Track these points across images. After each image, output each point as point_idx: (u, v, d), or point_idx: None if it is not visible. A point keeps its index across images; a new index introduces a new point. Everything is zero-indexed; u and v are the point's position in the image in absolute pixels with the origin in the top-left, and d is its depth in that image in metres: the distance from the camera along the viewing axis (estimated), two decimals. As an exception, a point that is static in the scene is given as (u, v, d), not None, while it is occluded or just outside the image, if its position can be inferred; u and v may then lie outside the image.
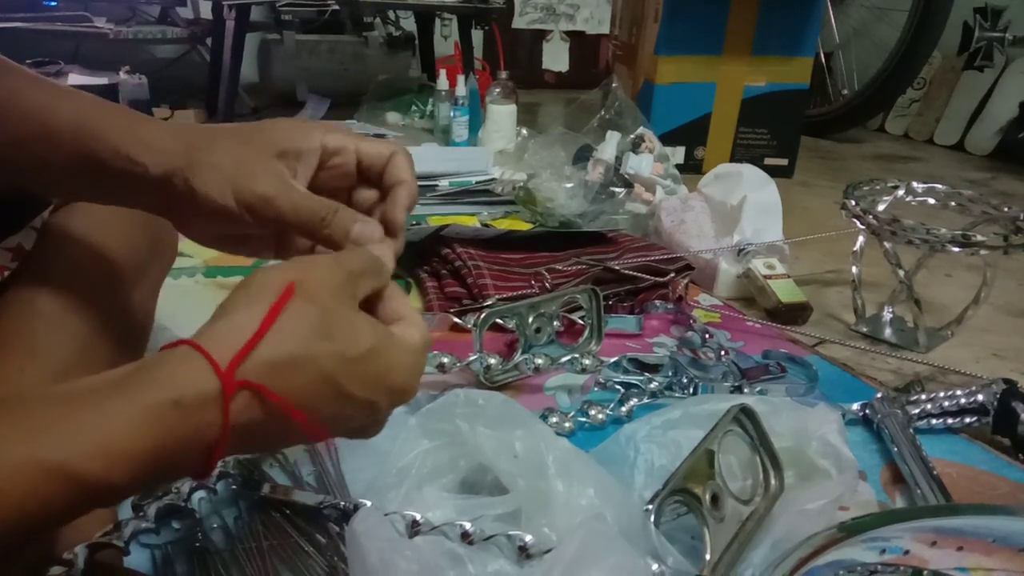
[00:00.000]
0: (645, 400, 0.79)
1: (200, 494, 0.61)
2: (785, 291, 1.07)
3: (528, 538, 0.50)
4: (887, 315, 1.07)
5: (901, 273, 1.00)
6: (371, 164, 0.50)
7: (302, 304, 0.36)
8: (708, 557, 0.51)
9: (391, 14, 2.63)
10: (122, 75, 1.91)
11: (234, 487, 0.63)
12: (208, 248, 0.52)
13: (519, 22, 2.35)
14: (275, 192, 0.46)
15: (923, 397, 0.79)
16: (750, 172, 1.24)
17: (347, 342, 0.37)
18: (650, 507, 0.49)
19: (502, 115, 2.01)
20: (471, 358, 0.79)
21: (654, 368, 0.84)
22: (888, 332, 1.04)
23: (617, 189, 1.41)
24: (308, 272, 0.38)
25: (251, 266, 1.12)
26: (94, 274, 0.55)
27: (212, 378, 0.33)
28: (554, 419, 0.75)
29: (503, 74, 2.04)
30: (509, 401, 0.62)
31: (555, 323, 0.87)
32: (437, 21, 2.60)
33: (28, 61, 1.95)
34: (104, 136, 0.45)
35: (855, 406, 0.80)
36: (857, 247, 1.07)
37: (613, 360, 0.84)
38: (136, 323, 0.62)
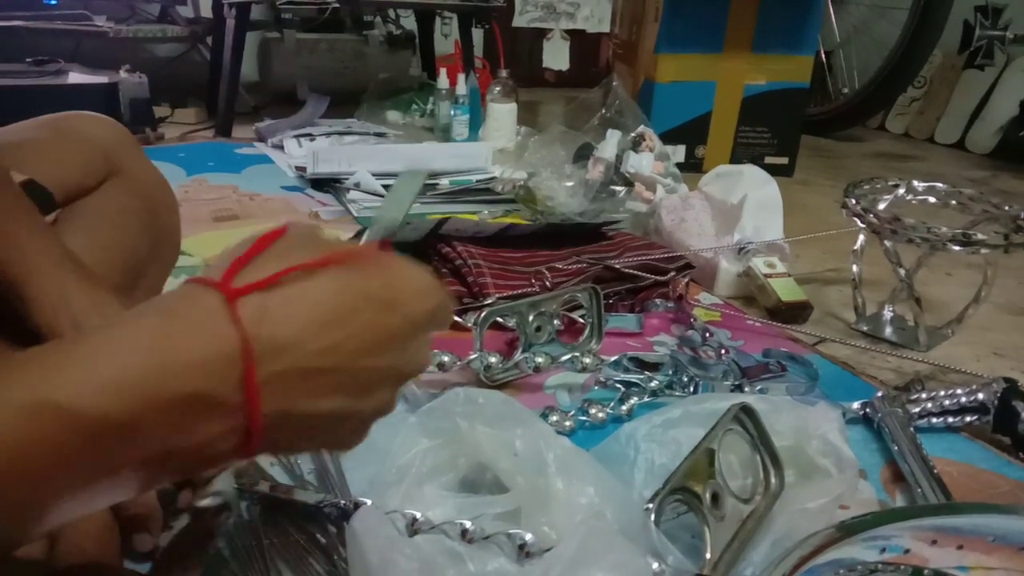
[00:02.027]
0: (645, 399, 0.79)
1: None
2: (785, 290, 1.07)
3: (528, 537, 0.50)
4: (887, 314, 1.07)
5: (902, 272, 1.00)
6: None
7: (294, 230, 0.34)
8: (708, 556, 0.51)
9: (391, 12, 2.63)
10: (122, 74, 1.91)
11: (234, 486, 0.63)
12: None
13: (519, 20, 2.35)
14: None
15: (923, 396, 0.79)
16: (751, 171, 1.24)
17: (347, 253, 0.33)
18: (650, 506, 0.49)
19: (502, 114, 2.01)
20: (471, 357, 0.79)
21: (654, 367, 0.84)
22: (888, 331, 1.04)
23: (617, 188, 1.41)
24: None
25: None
26: (97, 271, 0.55)
27: (208, 291, 0.30)
28: (554, 418, 0.75)
29: (503, 72, 2.04)
30: (509, 400, 0.62)
31: (555, 322, 0.87)
32: (437, 19, 2.59)
33: (28, 60, 1.95)
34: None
35: (855, 405, 0.80)
36: (857, 246, 1.07)
37: (613, 359, 0.84)
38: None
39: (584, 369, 0.82)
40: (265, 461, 0.67)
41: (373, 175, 1.51)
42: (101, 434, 0.27)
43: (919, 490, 0.66)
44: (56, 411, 0.27)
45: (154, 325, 0.30)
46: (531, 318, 0.85)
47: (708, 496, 0.53)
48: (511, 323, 0.86)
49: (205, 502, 0.47)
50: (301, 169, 1.61)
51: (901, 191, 1.08)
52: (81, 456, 0.28)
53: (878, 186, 1.08)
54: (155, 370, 0.28)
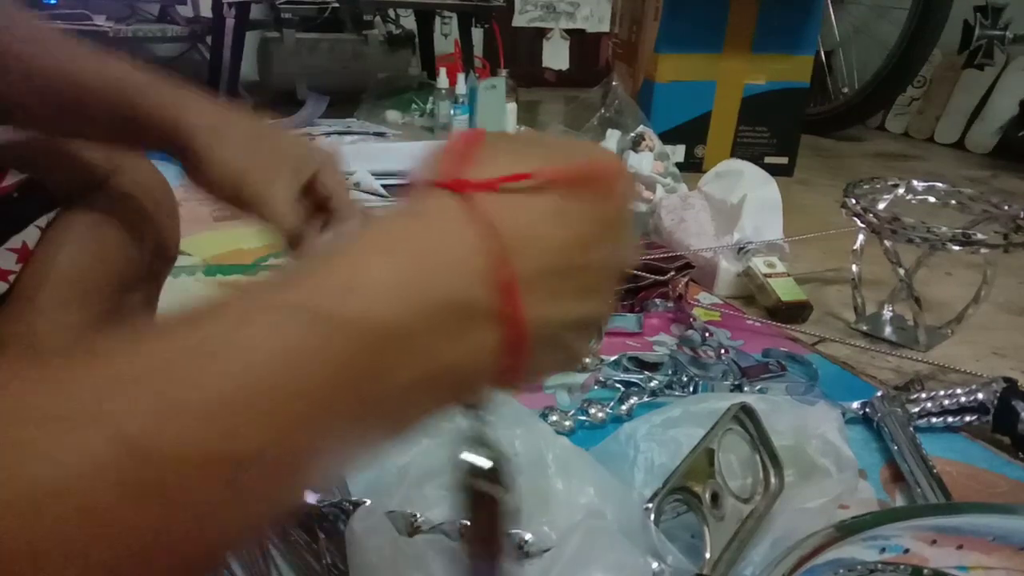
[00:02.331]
0: (645, 398, 0.79)
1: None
2: (785, 289, 1.07)
3: (528, 536, 0.50)
4: (887, 313, 1.07)
5: (901, 271, 1.00)
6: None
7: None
8: (708, 555, 0.51)
9: (391, 12, 2.63)
10: (122, 73, 1.91)
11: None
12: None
13: (519, 20, 2.35)
14: (268, 198, 0.52)
15: (923, 395, 0.79)
16: (750, 170, 1.24)
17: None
18: (650, 505, 0.49)
19: (502, 112, 2.01)
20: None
21: (654, 366, 0.84)
22: (888, 330, 1.04)
23: (617, 187, 1.41)
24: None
25: (251, 265, 1.13)
26: (95, 273, 0.55)
27: (440, 191, 0.28)
28: (554, 417, 0.75)
29: (503, 72, 2.04)
30: (508, 399, 0.62)
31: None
32: (437, 19, 2.59)
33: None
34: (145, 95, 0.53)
35: (855, 404, 0.80)
36: (857, 245, 1.07)
37: (613, 358, 0.84)
38: (138, 322, 0.62)
39: (584, 369, 0.82)
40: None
41: (373, 175, 1.51)
42: (379, 345, 0.25)
43: (919, 490, 0.66)
44: (334, 322, 0.24)
45: (406, 226, 0.28)
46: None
47: (708, 496, 0.53)
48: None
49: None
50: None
51: (901, 191, 1.08)
52: (359, 373, 0.25)
53: (878, 186, 1.08)
54: (417, 272, 0.26)
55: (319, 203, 0.55)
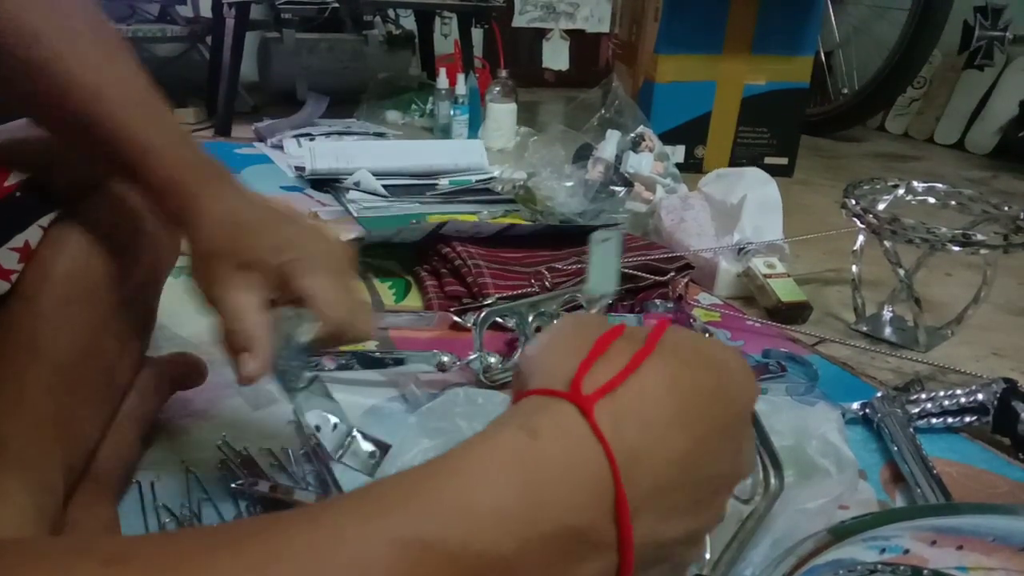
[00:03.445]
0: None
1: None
2: (785, 290, 1.07)
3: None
4: (887, 314, 1.07)
5: (901, 272, 1.00)
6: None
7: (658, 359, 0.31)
8: (708, 556, 0.51)
9: (391, 12, 2.63)
10: (122, 73, 1.91)
11: (233, 486, 0.63)
12: None
13: (519, 20, 2.35)
14: (226, 298, 0.52)
15: (923, 396, 0.79)
16: (750, 171, 1.24)
17: (656, 337, 0.31)
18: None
19: (502, 114, 2.01)
20: (471, 357, 0.79)
21: (654, 367, 0.84)
22: (888, 331, 1.04)
23: (617, 188, 1.41)
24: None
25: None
26: (96, 273, 0.55)
27: (563, 403, 0.28)
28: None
29: (503, 72, 2.04)
30: (509, 400, 0.62)
31: (555, 322, 0.87)
32: (437, 19, 2.59)
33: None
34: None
35: (855, 405, 0.80)
36: (857, 246, 1.07)
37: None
38: (139, 322, 0.62)
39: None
40: (265, 462, 0.67)
41: (373, 175, 1.51)
42: (483, 569, 0.24)
43: (919, 490, 0.66)
44: (428, 549, 0.24)
45: (519, 448, 0.27)
46: (531, 318, 0.85)
47: (708, 496, 0.52)
48: (511, 323, 0.86)
49: None
50: (300, 169, 1.61)
51: (901, 191, 1.08)
52: None
53: (878, 186, 1.08)
54: (530, 501, 0.25)
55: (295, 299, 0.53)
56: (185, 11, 2.38)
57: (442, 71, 2.13)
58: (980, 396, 0.77)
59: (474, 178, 1.60)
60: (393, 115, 2.32)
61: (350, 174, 1.53)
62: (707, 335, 0.92)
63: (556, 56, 2.43)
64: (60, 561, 0.22)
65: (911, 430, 0.74)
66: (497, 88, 2.00)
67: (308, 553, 0.23)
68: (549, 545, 0.25)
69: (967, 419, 0.77)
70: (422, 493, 0.25)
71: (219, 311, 0.52)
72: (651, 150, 1.45)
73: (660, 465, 0.28)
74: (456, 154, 1.68)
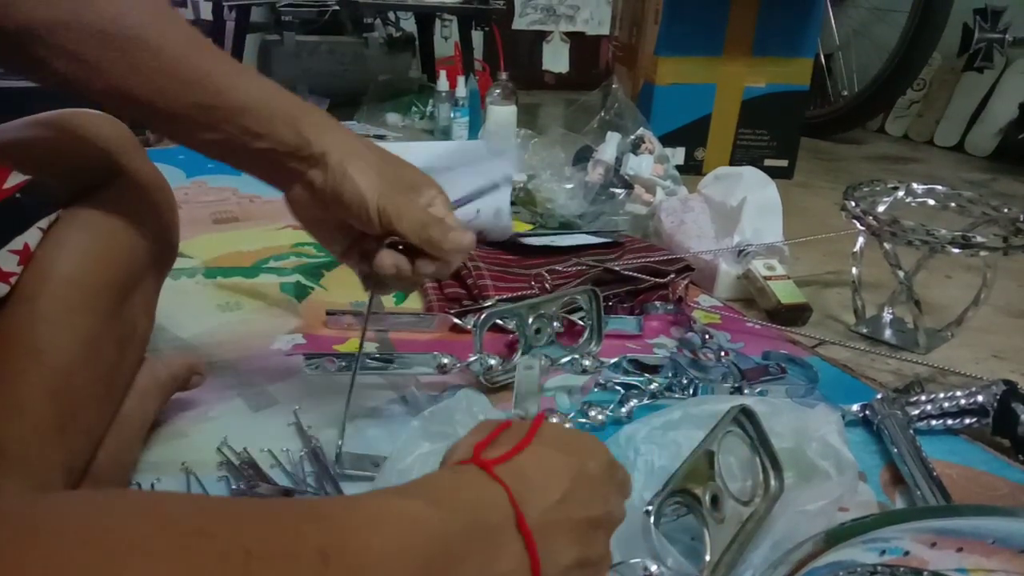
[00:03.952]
0: (645, 401, 0.79)
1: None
2: (785, 292, 1.07)
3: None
4: (887, 316, 1.07)
5: (901, 274, 1.00)
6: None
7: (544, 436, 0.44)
8: (708, 558, 0.51)
9: (391, 15, 2.63)
10: (122, 76, 1.91)
11: (234, 487, 0.63)
12: (295, 223, 0.63)
13: (519, 23, 2.35)
14: (405, 213, 0.58)
15: (923, 398, 0.79)
16: (750, 173, 1.24)
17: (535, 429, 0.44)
18: (650, 508, 0.49)
19: (502, 116, 2.01)
20: (471, 359, 0.79)
21: (654, 369, 0.84)
22: (888, 333, 1.04)
23: (617, 190, 1.41)
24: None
25: (250, 267, 1.13)
26: (96, 275, 0.55)
27: (468, 466, 0.41)
28: (554, 420, 0.75)
29: (503, 75, 2.04)
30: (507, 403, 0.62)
31: (555, 324, 0.87)
32: (437, 22, 2.60)
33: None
34: (282, 112, 0.57)
35: (855, 407, 0.80)
36: (857, 248, 1.07)
37: (613, 361, 0.84)
38: (137, 323, 0.62)
39: (584, 371, 0.82)
40: (265, 463, 0.67)
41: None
42: (447, 555, 0.35)
43: (919, 492, 0.66)
44: (422, 521, 0.35)
45: (450, 479, 0.40)
46: (531, 320, 0.85)
47: (708, 498, 0.53)
48: (511, 325, 0.86)
49: None
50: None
51: (900, 193, 1.08)
52: (448, 553, 0.35)
53: (877, 188, 1.08)
54: (466, 505, 0.38)
55: None
56: (186, 13, 2.38)
57: (442, 73, 2.13)
58: (980, 398, 0.77)
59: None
60: (393, 117, 2.32)
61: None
62: (708, 337, 0.92)
63: (556, 58, 2.43)
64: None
65: (911, 432, 0.74)
66: (497, 90, 2.00)
67: (328, 524, 0.32)
68: (479, 532, 0.37)
69: (967, 421, 0.77)
70: (406, 492, 0.37)
71: (398, 224, 0.58)
72: (651, 152, 1.45)
73: (542, 505, 0.40)
74: (485, 169, 1.60)
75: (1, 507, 0.26)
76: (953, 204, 1.06)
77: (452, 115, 2.04)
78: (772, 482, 0.59)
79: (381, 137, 2.07)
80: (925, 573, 0.55)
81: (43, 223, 0.54)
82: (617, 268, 1.03)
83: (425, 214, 0.60)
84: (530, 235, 1.16)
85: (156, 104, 0.52)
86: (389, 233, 0.59)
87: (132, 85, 0.51)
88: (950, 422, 0.78)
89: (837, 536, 0.53)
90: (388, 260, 0.60)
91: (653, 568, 0.48)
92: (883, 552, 0.56)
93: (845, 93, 2.54)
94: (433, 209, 0.62)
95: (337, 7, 2.13)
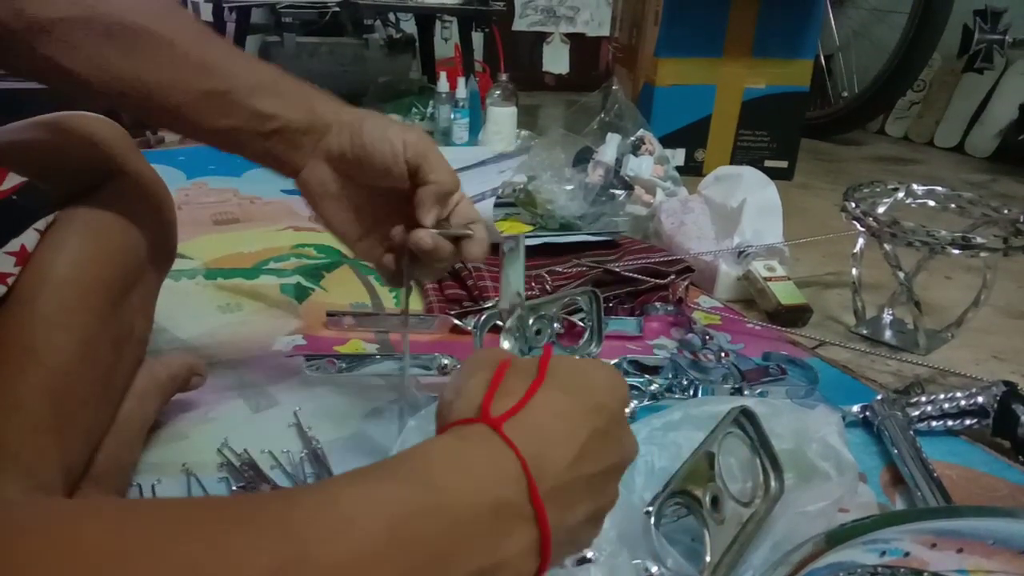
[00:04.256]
0: (645, 402, 0.79)
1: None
2: (785, 293, 1.07)
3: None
4: (887, 317, 1.07)
5: (901, 275, 1.00)
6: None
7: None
8: (708, 559, 0.51)
9: (391, 16, 2.63)
10: (123, 77, 1.91)
11: (234, 488, 0.63)
12: (316, 215, 0.65)
13: (519, 24, 2.36)
14: (430, 142, 0.59)
15: (923, 399, 0.79)
16: (750, 174, 1.24)
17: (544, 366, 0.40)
18: (650, 509, 0.49)
19: (502, 117, 2.01)
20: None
21: (654, 370, 0.84)
22: (888, 334, 1.04)
23: (617, 191, 1.41)
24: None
25: (251, 268, 1.13)
26: (94, 276, 0.55)
27: (477, 425, 0.36)
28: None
29: (503, 76, 2.04)
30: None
31: (555, 325, 0.87)
32: (437, 23, 2.60)
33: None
34: (293, 92, 0.58)
35: (855, 408, 0.80)
36: (857, 249, 1.07)
37: (613, 362, 0.84)
38: (136, 324, 0.62)
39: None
40: (266, 464, 0.67)
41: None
42: (453, 529, 0.32)
43: (919, 493, 0.66)
44: (410, 504, 0.31)
45: (455, 447, 0.35)
46: (531, 321, 0.85)
47: (708, 499, 0.53)
48: (511, 326, 0.86)
49: None
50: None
51: (900, 195, 1.08)
52: (440, 552, 0.31)
53: (877, 190, 1.08)
54: (471, 478, 0.34)
55: None
56: (186, 15, 2.38)
57: (442, 75, 2.13)
58: (980, 399, 0.77)
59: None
60: (394, 118, 2.32)
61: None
62: (708, 338, 0.92)
63: (556, 60, 2.43)
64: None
65: (911, 433, 0.74)
66: (497, 92, 2.00)
67: (313, 510, 0.29)
68: (488, 513, 0.33)
69: (967, 422, 0.77)
70: (399, 470, 0.34)
71: (427, 169, 0.59)
72: (651, 153, 1.45)
73: (557, 469, 0.36)
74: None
75: None
76: (953, 205, 1.06)
77: (452, 116, 2.04)
78: (772, 483, 0.59)
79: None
80: (925, 574, 0.55)
81: (40, 225, 0.54)
82: (617, 269, 1.03)
83: (446, 165, 0.60)
84: (530, 236, 1.16)
85: (168, 96, 0.53)
86: (418, 184, 0.58)
87: (144, 79, 0.52)
88: (950, 423, 0.78)
89: (837, 537, 0.53)
90: (427, 236, 0.59)
91: (654, 569, 0.48)
92: (883, 553, 0.56)
93: (845, 94, 2.54)
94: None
95: (337, 8, 2.13)
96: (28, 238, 0.53)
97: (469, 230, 0.62)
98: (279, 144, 0.58)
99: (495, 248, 0.66)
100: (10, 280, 0.52)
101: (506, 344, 0.64)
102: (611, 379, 0.41)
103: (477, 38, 2.51)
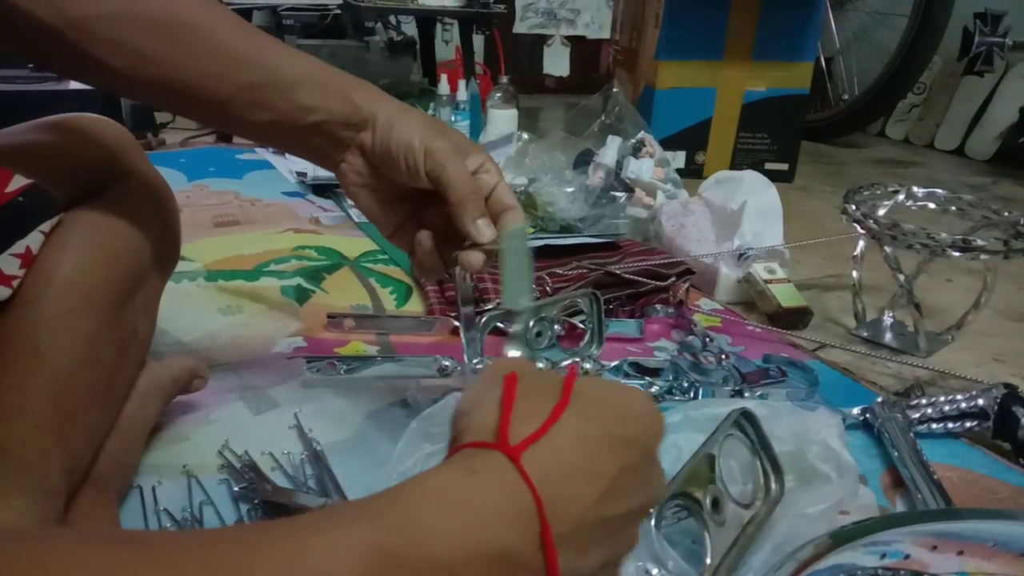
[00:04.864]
0: (646, 404, 0.79)
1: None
2: (785, 295, 1.07)
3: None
4: (887, 319, 1.07)
5: (901, 277, 1.00)
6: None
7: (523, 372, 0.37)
8: (709, 561, 0.51)
9: (392, 19, 2.64)
10: (124, 79, 1.91)
11: (235, 490, 0.63)
12: (350, 197, 0.64)
13: (520, 27, 2.36)
14: (451, 151, 0.57)
15: (923, 401, 0.79)
16: (750, 177, 1.24)
17: (569, 388, 0.36)
18: (651, 511, 0.49)
19: (503, 119, 2.01)
20: (472, 362, 0.79)
21: (655, 372, 0.84)
22: (888, 336, 1.04)
23: (618, 193, 1.41)
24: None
25: (251, 270, 1.13)
26: (98, 278, 0.55)
27: (493, 453, 0.33)
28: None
29: (504, 79, 2.04)
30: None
31: (556, 327, 0.87)
32: (438, 26, 2.60)
33: (30, 66, 1.95)
34: (333, 84, 0.58)
35: (855, 410, 0.80)
36: (857, 251, 1.07)
37: (614, 364, 0.84)
38: (139, 326, 0.62)
39: (585, 374, 0.82)
40: (266, 466, 0.67)
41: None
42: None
43: (919, 496, 0.66)
44: (386, 556, 0.28)
45: (461, 481, 0.32)
46: (532, 323, 0.85)
47: (708, 501, 0.53)
48: (511, 328, 0.86)
49: None
50: (302, 175, 1.62)
51: (901, 197, 1.08)
52: None
53: (878, 192, 1.08)
54: (471, 524, 0.30)
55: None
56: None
57: (443, 77, 2.14)
58: (980, 401, 0.77)
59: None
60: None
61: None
62: (708, 340, 0.92)
63: (557, 62, 2.44)
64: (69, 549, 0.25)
65: (911, 435, 0.74)
66: (498, 94, 2.00)
67: (278, 561, 0.27)
68: (487, 563, 0.30)
69: (968, 424, 0.77)
70: (382, 511, 0.30)
71: (443, 176, 0.57)
72: (652, 156, 1.46)
73: (576, 510, 0.32)
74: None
75: None
76: (953, 208, 1.06)
77: (453, 118, 2.04)
78: (773, 485, 0.59)
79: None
80: (925, 576, 0.55)
81: (45, 227, 0.54)
82: (618, 271, 1.03)
83: (472, 179, 0.59)
84: (531, 238, 1.16)
85: (208, 89, 0.53)
86: (435, 183, 0.58)
87: (185, 71, 0.52)
88: (951, 425, 0.78)
89: (844, 536, 0.53)
90: (476, 259, 0.59)
91: (654, 571, 0.48)
92: (884, 555, 0.56)
93: (845, 97, 2.55)
94: (487, 176, 0.60)
95: (338, 11, 2.14)
96: (33, 240, 0.53)
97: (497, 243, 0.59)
98: (318, 137, 0.58)
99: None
100: (15, 282, 0.52)
101: (514, 353, 0.59)
102: (645, 408, 0.37)
103: (478, 41, 2.51)
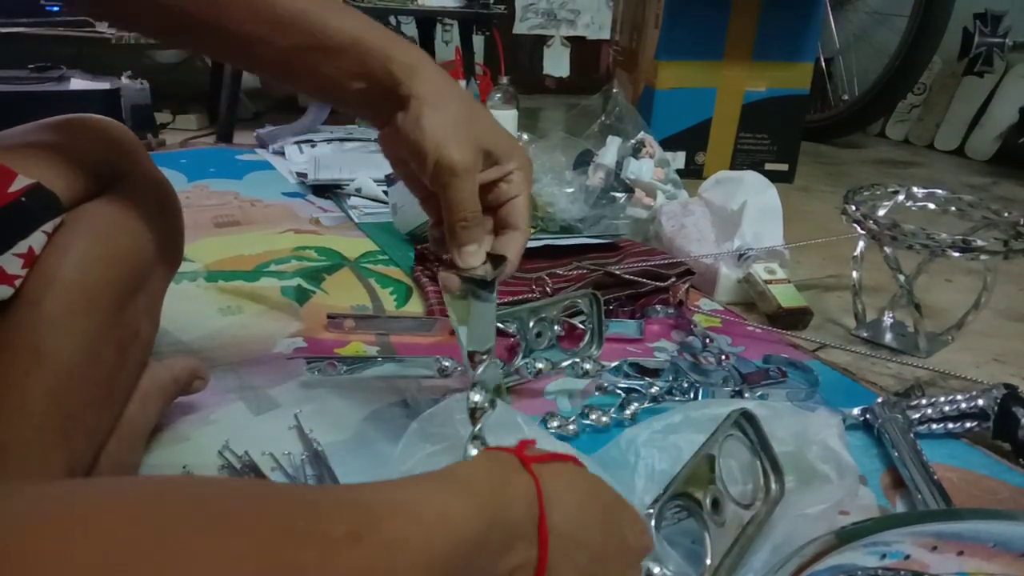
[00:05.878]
0: (646, 404, 0.79)
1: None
2: (786, 296, 1.07)
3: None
4: (887, 320, 1.07)
5: (901, 278, 1.00)
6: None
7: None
8: (709, 561, 0.51)
9: (392, 19, 2.64)
10: (124, 80, 1.92)
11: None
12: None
13: (520, 27, 2.36)
14: (460, 171, 0.54)
15: (924, 402, 0.79)
16: (750, 177, 1.24)
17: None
18: (651, 511, 0.49)
19: (503, 120, 2.01)
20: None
21: (655, 373, 0.84)
22: (888, 337, 1.04)
23: (618, 194, 1.41)
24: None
25: (252, 271, 1.13)
26: (100, 278, 0.55)
27: (510, 455, 0.43)
28: (555, 423, 0.75)
29: (504, 79, 2.04)
30: (508, 407, 0.62)
31: (556, 327, 0.87)
32: (438, 26, 2.60)
33: (30, 65, 1.95)
34: (375, 50, 0.55)
35: (856, 411, 0.80)
36: (857, 252, 1.07)
37: (614, 365, 0.84)
38: (141, 327, 0.62)
39: (584, 375, 0.82)
40: (267, 465, 0.67)
41: (375, 181, 1.52)
42: (465, 550, 0.35)
43: (919, 496, 0.66)
44: (445, 512, 0.35)
45: (488, 468, 0.41)
46: (532, 324, 0.85)
47: (708, 502, 0.53)
48: (512, 329, 0.86)
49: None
50: (302, 175, 1.62)
51: (901, 197, 1.08)
52: (454, 563, 0.35)
53: (878, 192, 1.09)
54: (493, 493, 0.38)
55: (493, 204, 0.60)
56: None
57: (443, 77, 2.14)
58: (981, 402, 0.77)
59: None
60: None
61: (352, 180, 1.54)
62: (709, 341, 0.92)
63: (557, 63, 2.44)
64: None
65: (912, 436, 0.74)
66: (498, 94, 2.00)
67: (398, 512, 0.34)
68: (499, 525, 0.37)
69: (968, 425, 0.78)
70: (451, 486, 0.38)
71: (449, 186, 0.55)
72: (652, 156, 1.46)
73: (566, 516, 0.40)
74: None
75: (41, 491, 0.27)
76: (953, 208, 1.06)
77: (453, 119, 2.04)
78: (773, 486, 0.59)
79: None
80: (926, 576, 0.55)
81: (48, 227, 0.54)
82: (618, 272, 1.03)
83: (473, 202, 0.56)
84: (531, 239, 1.16)
85: (256, 52, 0.54)
86: (439, 195, 0.57)
87: (238, 32, 0.53)
88: (951, 426, 0.78)
89: (846, 536, 0.53)
90: (452, 283, 0.58)
91: (655, 571, 0.48)
92: (884, 556, 0.56)
93: (845, 97, 2.55)
94: (507, 186, 0.59)
95: (338, 11, 2.13)
96: (36, 240, 0.53)
97: (490, 269, 0.58)
98: (364, 101, 0.58)
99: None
100: (17, 282, 0.52)
101: (476, 397, 0.56)
102: (640, 523, 0.47)
103: (478, 41, 2.51)
